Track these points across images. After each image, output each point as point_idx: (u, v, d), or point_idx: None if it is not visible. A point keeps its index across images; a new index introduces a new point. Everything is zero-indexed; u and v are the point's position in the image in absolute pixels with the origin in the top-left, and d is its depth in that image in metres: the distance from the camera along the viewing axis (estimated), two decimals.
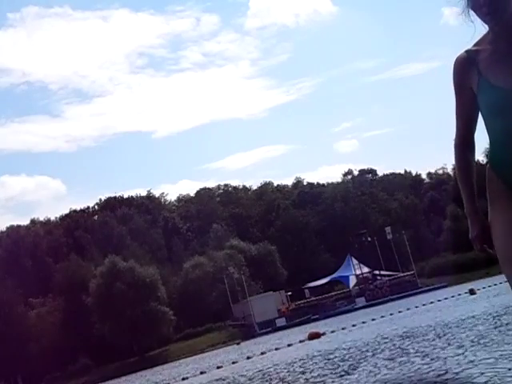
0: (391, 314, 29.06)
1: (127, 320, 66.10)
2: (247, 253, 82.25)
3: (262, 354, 23.00)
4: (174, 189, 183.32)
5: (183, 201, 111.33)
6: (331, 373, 10.03)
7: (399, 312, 29.52)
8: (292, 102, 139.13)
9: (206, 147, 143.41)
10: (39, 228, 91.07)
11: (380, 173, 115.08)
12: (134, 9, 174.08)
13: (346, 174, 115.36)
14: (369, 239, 77.58)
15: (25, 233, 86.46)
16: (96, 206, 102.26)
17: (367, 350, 12.42)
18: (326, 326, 35.29)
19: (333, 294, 74.43)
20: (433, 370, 7.32)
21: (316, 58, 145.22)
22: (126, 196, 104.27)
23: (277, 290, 73.49)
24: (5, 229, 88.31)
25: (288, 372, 12.36)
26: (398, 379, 7.44)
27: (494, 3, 2.80)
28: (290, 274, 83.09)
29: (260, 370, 14.72)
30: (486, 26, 2.91)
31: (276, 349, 23.87)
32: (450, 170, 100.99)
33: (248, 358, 22.88)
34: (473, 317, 13.86)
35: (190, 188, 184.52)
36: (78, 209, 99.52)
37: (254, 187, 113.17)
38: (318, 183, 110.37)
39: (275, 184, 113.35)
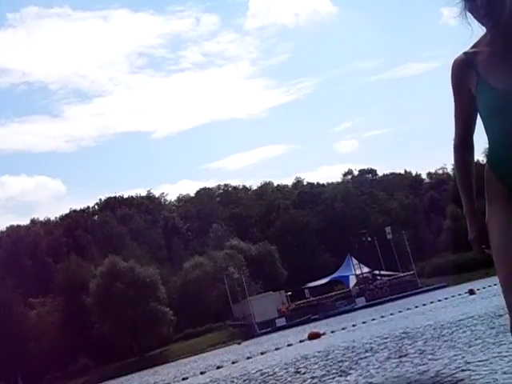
0: (391, 314, 29.06)
1: (127, 320, 66.10)
2: (247, 253, 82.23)
3: (262, 354, 23.00)
4: (173, 189, 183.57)
5: (183, 201, 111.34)
6: (330, 373, 10.03)
7: (399, 312, 29.52)
8: (292, 102, 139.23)
9: (206, 147, 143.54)
10: (39, 228, 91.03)
11: (380, 173, 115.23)
12: (133, 9, 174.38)
13: (345, 174, 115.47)
14: (369, 239, 77.55)
15: (25, 233, 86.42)
16: (96, 206, 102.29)
17: (367, 351, 12.42)
18: (326, 326, 35.29)
19: (333, 293, 74.42)
20: (430, 371, 7.32)
21: (316, 58, 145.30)
22: (126, 196, 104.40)
23: (277, 290, 73.49)
24: (5, 229, 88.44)
25: (287, 372, 12.35)
26: (395, 379, 7.44)
27: (491, 5, 2.81)
28: (290, 274, 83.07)
29: (259, 370, 14.71)
30: (484, 28, 2.92)
31: (276, 349, 23.86)
32: (449, 170, 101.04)
33: (248, 358, 22.88)
34: (471, 317, 13.87)
35: (190, 188, 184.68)
36: (78, 209, 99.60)
37: (254, 187, 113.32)
38: (318, 183, 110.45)
39: (275, 184, 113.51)
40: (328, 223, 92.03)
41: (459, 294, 31.33)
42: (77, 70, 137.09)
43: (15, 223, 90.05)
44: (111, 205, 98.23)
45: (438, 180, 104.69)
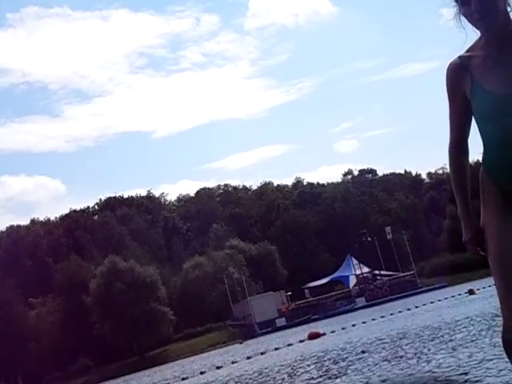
0: (391, 314, 29.05)
1: (127, 320, 66.13)
2: (247, 253, 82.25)
3: (262, 354, 23.00)
4: (173, 189, 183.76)
5: (183, 201, 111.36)
6: (330, 373, 10.04)
7: (399, 312, 29.51)
8: (292, 102, 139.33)
9: (206, 147, 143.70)
10: (39, 228, 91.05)
11: (380, 173, 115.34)
12: (133, 9, 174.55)
13: (345, 174, 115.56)
14: (369, 239, 77.56)
15: (25, 233, 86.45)
16: (96, 206, 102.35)
17: (366, 351, 12.42)
18: (326, 325, 35.28)
19: (333, 293, 74.42)
20: (427, 371, 7.32)
21: (316, 58, 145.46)
22: (126, 196, 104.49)
23: (277, 290, 73.51)
24: (5, 229, 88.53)
25: (286, 372, 12.36)
26: (392, 380, 7.44)
27: (485, 9, 2.83)
28: (290, 274, 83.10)
29: (259, 371, 14.71)
30: (478, 32, 2.94)
31: (276, 349, 23.86)
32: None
33: (248, 358, 22.88)
34: (470, 317, 13.87)
35: (190, 188, 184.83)
36: (78, 209, 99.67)
37: (254, 187, 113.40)
38: (318, 183, 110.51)
39: (275, 184, 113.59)
40: (328, 223, 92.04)
41: (459, 294, 31.32)
42: (77, 70, 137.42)
43: (15, 223, 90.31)
44: (111, 205, 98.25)
45: (438, 180, 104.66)
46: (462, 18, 2.95)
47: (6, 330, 65.99)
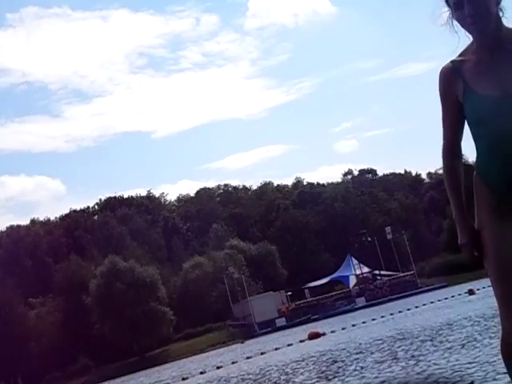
0: (391, 314, 29.05)
1: (127, 320, 66.13)
2: (247, 253, 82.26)
3: (262, 354, 23.00)
4: (173, 189, 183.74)
5: (183, 201, 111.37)
6: (330, 373, 10.04)
7: (399, 312, 29.51)
8: (292, 102, 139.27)
9: (206, 147, 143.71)
10: (39, 228, 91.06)
11: (380, 173, 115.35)
12: (133, 9, 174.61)
13: (345, 174, 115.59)
14: (369, 239, 77.58)
15: (25, 233, 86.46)
16: (96, 206, 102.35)
17: (366, 351, 12.42)
18: (326, 325, 35.27)
19: (333, 293, 74.42)
20: (426, 372, 7.33)
21: (316, 58, 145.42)
22: (126, 196, 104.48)
23: (277, 290, 73.52)
24: (5, 229, 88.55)
25: (286, 372, 12.36)
26: (389, 380, 7.45)
27: (478, 13, 2.85)
28: (290, 274, 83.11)
29: (259, 370, 14.72)
30: (471, 37, 2.96)
31: (276, 349, 23.87)
32: None
33: (248, 358, 22.88)
34: (469, 318, 13.87)
35: (190, 188, 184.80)
36: (78, 209, 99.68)
37: (254, 187, 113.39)
38: (317, 183, 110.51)
39: (275, 184, 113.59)
40: (328, 223, 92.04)
41: (459, 294, 31.32)
42: (77, 70, 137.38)
43: (15, 223, 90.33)
44: (111, 205, 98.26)
45: (438, 180, 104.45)
46: (455, 23, 2.97)
47: (6, 330, 65.98)
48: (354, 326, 26.80)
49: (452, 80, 2.99)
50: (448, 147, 3.08)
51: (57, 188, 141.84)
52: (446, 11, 2.99)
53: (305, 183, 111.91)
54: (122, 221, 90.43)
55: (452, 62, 3.03)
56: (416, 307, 30.39)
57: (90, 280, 69.95)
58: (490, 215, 2.90)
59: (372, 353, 11.69)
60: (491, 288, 2.97)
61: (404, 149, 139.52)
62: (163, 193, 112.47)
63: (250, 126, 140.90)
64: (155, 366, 54.91)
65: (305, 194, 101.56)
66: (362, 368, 9.51)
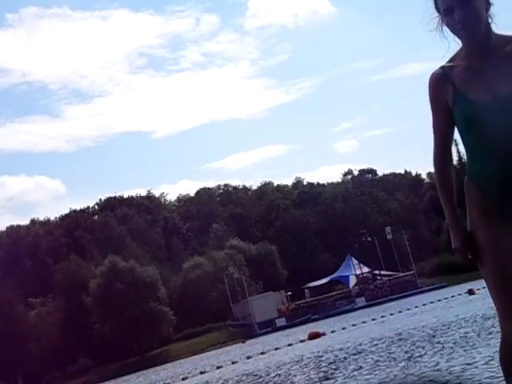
0: (391, 314, 29.06)
1: (127, 320, 66.14)
2: (247, 253, 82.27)
3: (262, 354, 23.01)
4: (173, 189, 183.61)
5: (183, 201, 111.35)
6: (330, 373, 10.04)
7: (399, 312, 29.52)
8: (292, 101, 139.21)
9: (206, 147, 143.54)
10: (39, 228, 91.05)
11: (380, 173, 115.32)
12: (133, 9, 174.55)
13: (345, 174, 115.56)
14: (369, 239, 77.58)
15: (25, 233, 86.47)
16: (96, 206, 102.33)
17: (365, 351, 12.42)
18: (326, 325, 35.28)
19: (333, 294, 74.41)
20: (425, 372, 7.33)
21: (316, 58, 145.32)
22: (126, 196, 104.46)
23: (277, 290, 73.52)
24: (5, 229, 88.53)
25: (286, 372, 12.36)
26: (387, 381, 7.45)
27: (468, 19, 2.88)
28: (290, 274, 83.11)
29: (259, 370, 14.71)
30: (460, 42, 2.99)
31: (276, 349, 23.87)
32: None
33: (248, 358, 22.89)
34: (469, 318, 13.87)
35: (190, 188, 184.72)
36: (78, 209, 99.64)
37: (254, 187, 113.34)
38: (317, 183, 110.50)
39: (275, 184, 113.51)
40: (328, 223, 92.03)
41: (459, 294, 31.32)
42: (77, 70, 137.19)
43: (15, 223, 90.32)
44: (111, 205, 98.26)
45: None
46: (445, 28, 3.00)
47: (6, 330, 65.99)
48: (353, 325, 26.81)
49: (442, 85, 3.00)
50: (439, 153, 3.10)
51: (57, 188, 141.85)
52: (435, 17, 3.02)
53: (305, 183, 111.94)
54: (122, 221, 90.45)
55: (442, 67, 3.05)
56: (416, 307, 30.38)
57: (90, 280, 69.97)
58: (482, 218, 2.92)
59: (372, 353, 11.69)
60: None
61: (404, 149, 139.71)
62: (163, 193, 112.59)
63: (249, 125, 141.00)
64: (155, 366, 54.94)
65: (305, 194, 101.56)
66: (361, 368, 9.51)
